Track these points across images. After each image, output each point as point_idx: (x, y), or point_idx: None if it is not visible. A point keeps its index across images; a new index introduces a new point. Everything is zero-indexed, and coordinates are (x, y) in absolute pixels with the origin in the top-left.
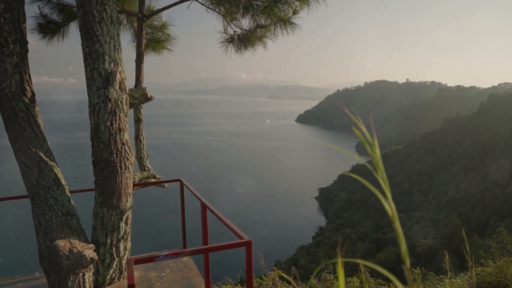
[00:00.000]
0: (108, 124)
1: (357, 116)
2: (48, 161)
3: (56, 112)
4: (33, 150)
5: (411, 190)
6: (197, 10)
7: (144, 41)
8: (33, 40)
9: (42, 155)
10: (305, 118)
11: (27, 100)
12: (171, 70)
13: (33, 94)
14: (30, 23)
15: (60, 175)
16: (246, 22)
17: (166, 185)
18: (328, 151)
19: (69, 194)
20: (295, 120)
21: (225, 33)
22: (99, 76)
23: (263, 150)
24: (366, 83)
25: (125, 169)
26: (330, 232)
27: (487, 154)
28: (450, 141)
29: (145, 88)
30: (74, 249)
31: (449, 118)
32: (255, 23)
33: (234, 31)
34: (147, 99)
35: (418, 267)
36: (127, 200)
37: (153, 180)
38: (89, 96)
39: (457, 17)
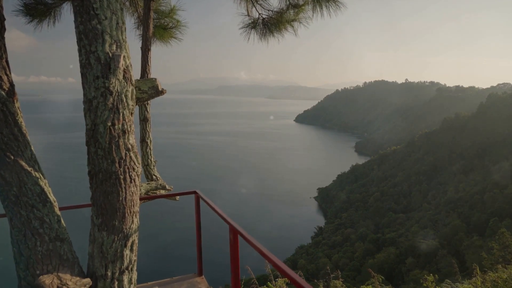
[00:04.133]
0: (109, 124)
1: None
2: (32, 172)
3: (55, 111)
4: (12, 157)
5: (410, 190)
6: (196, 10)
7: (151, 24)
8: (33, 40)
9: (23, 163)
10: (304, 118)
11: (3, 93)
12: (169, 70)
13: (11, 85)
14: (14, 3)
15: (47, 189)
16: (275, 2)
17: (177, 197)
18: (327, 151)
19: (59, 212)
20: (294, 120)
21: (249, 15)
22: (97, 62)
23: (262, 150)
24: (365, 83)
25: (131, 182)
26: (329, 232)
27: (486, 154)
28: (449, 141)
29: (155, 79)
30: (64, 286)
31: (448, 118)
32: (287, 3)
33: (260, 14)
34: (158, 92)
35: (432, 274)
36: (132, 221)
37: (162, 192)
38: (84, 88)
39: (456, 17)
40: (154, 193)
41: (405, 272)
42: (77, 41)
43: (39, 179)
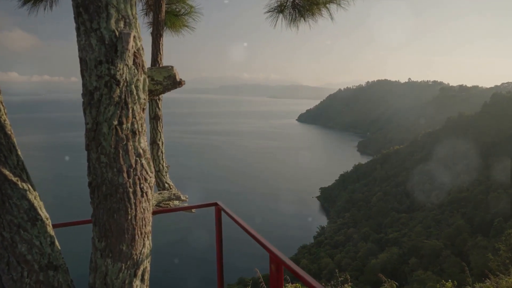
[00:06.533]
0: (115, 123)
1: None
2: (18, 182)
3: (58, 111)
4: None
5: (413, 190)
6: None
7: (164, 6)
8: (35, 39)
9: (7, 172)
10: (306, 118)
11: None
12: None
13: None
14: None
15: (38, 203)
16: None
17: (193, 209)
18: (330, 150)
19: (52, 232)
20: (296, 120)
21: None
22: (100, 43)
23: (264, 149)
24: (367, 82)
25: (142, 196)
26: (331, 232)
27: (490, 154)
28: (452, 140)
29: (172, 67)
30: None
31: (452, 118)
32: None
33: None
34: (175, 83)
35: (450, 281)
36: (143, 245)
37: (176, 203)
38: (83, 77)
39: (460, 16)
40: (166, 204)
41: (408, 272)
42: (74, 17)
43: (28, 192)
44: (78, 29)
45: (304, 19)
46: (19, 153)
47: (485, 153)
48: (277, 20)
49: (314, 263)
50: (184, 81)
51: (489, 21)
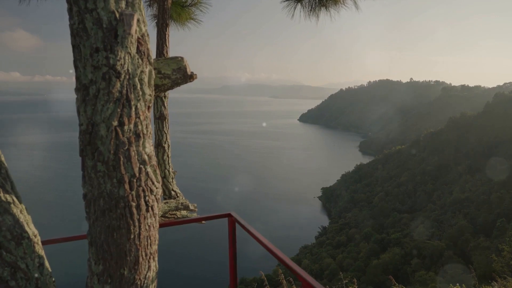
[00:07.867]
0: (115, 123)
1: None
2: (0, 194)
3: (60, 110)
4: None
5: (415, 190)
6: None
7: None
8: (37, 40)
9: None
10: (308, 118)
11: None
12: None
13: None
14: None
15: (24, 218)
16: None
17: (204, 221)
18: (331, 150)
19: (42, 252)
20: (298, 119)
21: None
22: (96, 26)
23: (266, 149)
24: (369, 82)
25: (147, 210)
26: (333, 232)
27: (492, 154)
28: (454, 140)
29: (182, 58)
30: None
31: (454, 118)
32: None
33: None
34: (186, 77)
35: (457, 285)
36: (149, 267)
37: (184, 213)
38: (76, 68)
39: (462, 16)
40: (173, 215)
41: (411, 273)
42: None
43: (12, 205)
44: (70, 10)
45: (326, 8)
46: (3, 158)
47: (488, 153)
48: (294, 9)
49: (315, 263)
50: (196, 74)
51: (491, 21)
